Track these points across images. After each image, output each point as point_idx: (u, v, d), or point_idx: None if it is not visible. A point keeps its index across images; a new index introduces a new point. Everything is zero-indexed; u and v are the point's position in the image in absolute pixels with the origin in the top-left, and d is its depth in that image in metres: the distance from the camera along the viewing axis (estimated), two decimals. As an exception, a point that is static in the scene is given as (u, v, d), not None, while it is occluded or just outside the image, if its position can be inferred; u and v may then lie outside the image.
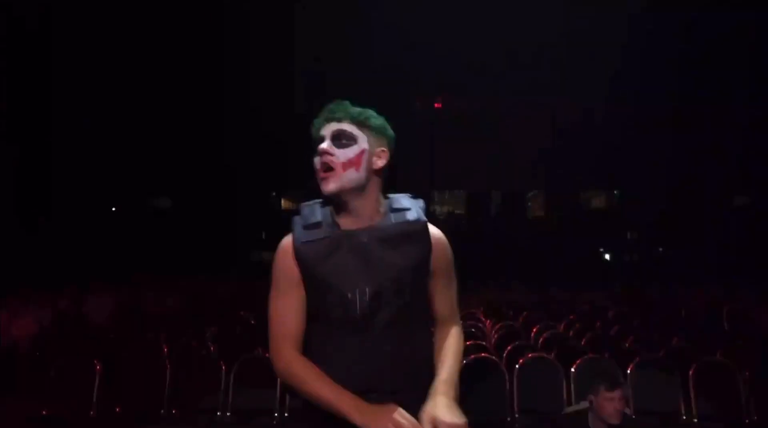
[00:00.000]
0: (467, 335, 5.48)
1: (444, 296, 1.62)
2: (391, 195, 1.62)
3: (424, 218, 1.57)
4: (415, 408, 1.42)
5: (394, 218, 1.54)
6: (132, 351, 4.83)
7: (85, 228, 16.71)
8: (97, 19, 15.51)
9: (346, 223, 1.53)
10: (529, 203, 27.46)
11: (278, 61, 18.88)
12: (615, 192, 26.26)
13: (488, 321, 6.95)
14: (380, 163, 1.56)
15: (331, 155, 1.49)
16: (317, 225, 1.53)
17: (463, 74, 21.38)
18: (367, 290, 1.46)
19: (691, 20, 16.80)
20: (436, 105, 24.28)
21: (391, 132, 1.61)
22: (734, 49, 17.14)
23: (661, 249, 23.64)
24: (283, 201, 21.77)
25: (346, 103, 1.57)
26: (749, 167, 18.48)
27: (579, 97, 20.05)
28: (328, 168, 1.49)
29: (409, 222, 1.54)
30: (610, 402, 2.74)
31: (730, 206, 21.10)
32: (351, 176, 1.49)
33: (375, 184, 1.56)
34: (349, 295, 1.46)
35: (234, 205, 19.26)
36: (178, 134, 18.33)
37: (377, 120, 1.58)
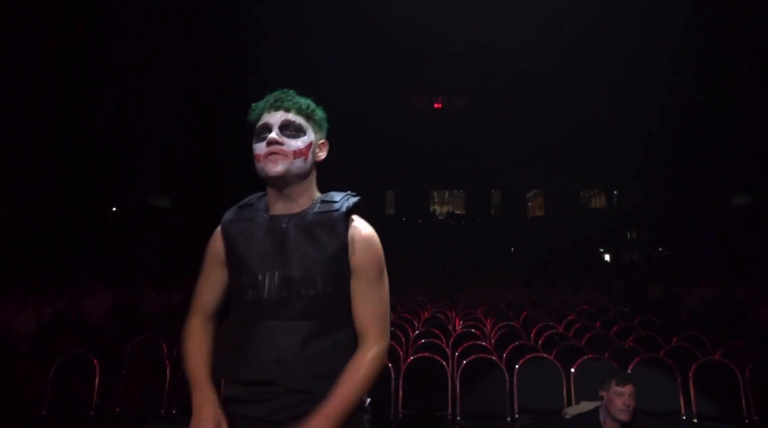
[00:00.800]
0: (467, 335, 5.49)
1: (363, 304, 1.50)
2: (331, 192, 1.60)
3: (343, 210, 1.51)
4: (311, 403, 1.42)
5: (318, 208, 1.53)
6: (132, 351, 4.83)
7: (85, 228, 16.71)
8: (98, 19, 15.51)
9: (277, 209, 1.55)
10: (529, 203, 27.48)
11: (278, 62, 18.88)
12: (615, 192, 26.28)
13: (488, 321, 6.95)
14: (321, 155, 1.59)
15: (281, 144, 1.50)
16: (249, 206, 1.58)
17: (463, 74, 21.38)
18: (276, 274, 1.47)
19: (691, 20, 16.79)
20: (436, 105, 24.30)
21: (327, 125, 1.62)
22: (734, 49, 17.13)
23: (661, 249, 23.64)
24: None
25: (293, 92, 1.58)
26: (748, 167, 18.48)
27: (579, 97, 20.03)
28: (278, 154, 1.50)
29: (327, 212, 1.51)
30: (620, 398, 2.73)
31: (729, 206, 21.10)
32: (298, 165, 1.51)
33: (313, 175, 1.58)
34: (260, 277, 1.48)
35: (234, 205, 19.23)
36: (178, 134, 18.33)
37: (320, 112, 1.59)
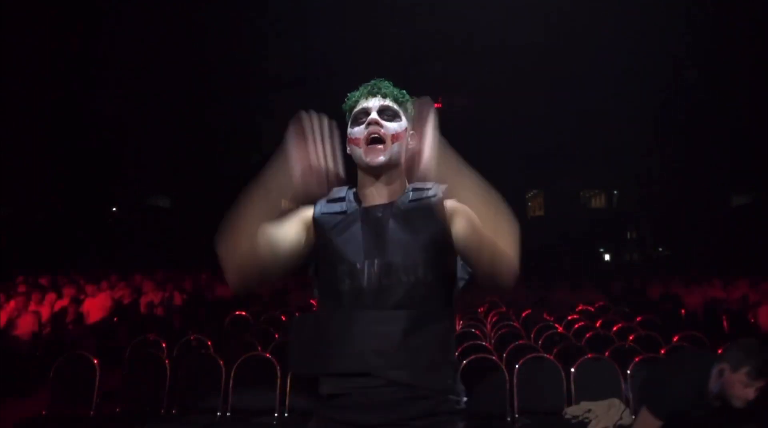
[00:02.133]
0: (467, 335, 5.50)
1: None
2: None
3: (440, 195, 1.50)
4: (413, 401, 1.38)
5: (412, 195, 1.52)
6: (132, 351, 4.83)
7: (85, 228, 16.71)
8: (97, 19, 15.51)
9: (368, 199, 1.54)
10: (529, 203, 27.49)
11: (278, 62, 18.89)
12: (615, 192, 26.29)
13: (488, 321, 6.95)
14: (413, 144, 1.57)
15: (381, 126, 1.51)
16: (340, 199, 1.55)
17: (463, 74, 21.38)
18: (376, 261, 1.44)
19: (691, 20, 16.79)
20: (436, 105, 24.27)
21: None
22: (734, 49, 17.14)
23: (661, 249, 23.65)
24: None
25: (388, 82, 1.60)
26: (748, 167, 18.49)
27: (579, 97, 20.03)
28: (377, 139, 1.50)
29: (423, 199, 1.51)
30: (745, 388, 2.39)
31: (729, 206, 21.11)
32: (397, 150, 1.52)
33: (404, 164, 1.57)
34: (358, 265, 1.45)
35: (234, 205, 19.23)
36: (178, 134, 18.34)
37: (412, 105, 1.60)
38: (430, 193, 1.51)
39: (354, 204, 1.54)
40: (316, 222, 1.53)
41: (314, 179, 1.43)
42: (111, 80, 16.70)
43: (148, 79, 17.24)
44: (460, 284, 1.54)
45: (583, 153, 21.98)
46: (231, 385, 4.15)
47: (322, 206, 1.55)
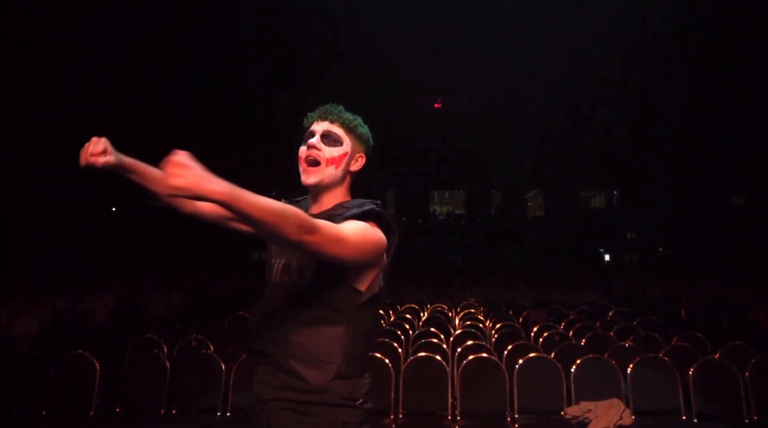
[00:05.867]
0: (467, 335, 5.50)
1: None
2: (358, 199, 1.74)
3: (348, 214, 1.59)
4: (296, 387, 1.59)
5: (327, 211, 1.68)
6: (132, 351, 4.83)
7: (85, 228, 16.72)
8: (98, 18, 15.51)
9: (310, 209, 1.74)
10: (529, 203, 27.48)
11: (277, 62, 18.89)
12: (615, 192, 26.29)
13: (488, 321, 6.95)
14: (355, 166, 1.76)
15: (319, 150, 1.68)
16: (298, 203, 1.77)
17: (463, 74, 21.38)
18: (281, 260, 1.68)
19: (690, 21, 16.80)
20: (436, 105, 24.30)
21: (371, 142, 1.80)
22: (734, 49, 17.14)
23: (661, 249, 23.65)
24: (283, 201, 21.76)
25: (341, 107, 1.76)
26: (748, 167, 18.49)
27: (579, 97, 20.03)
28: (314, 162, 1.68)
29: (334, 215, 1.62)
30: None
31: (729, 206, 21.11)
32: (330, 172, 1.69)
33: (346, 183, 1.75)
34: (273, 261, 1.71)
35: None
36: (178, 134, 18.33)
37: (363, 129, 1.77)
38: (341, 211, 1.63)
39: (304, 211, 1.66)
40: None
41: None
42: (111, 80, 16.69)
43: (149, 78, 17.24)
44: (363, 297, 1.61)
45: (583, 153, 21.98)
46: (231, 385, 4.15)
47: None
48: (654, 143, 20.52)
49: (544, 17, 17.62)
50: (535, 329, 6.06)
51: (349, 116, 1.73)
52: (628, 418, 3.91)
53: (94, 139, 1.70)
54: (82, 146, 1.72)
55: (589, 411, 3.95)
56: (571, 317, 7.10)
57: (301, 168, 1.70)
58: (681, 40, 17.62)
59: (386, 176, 22.01)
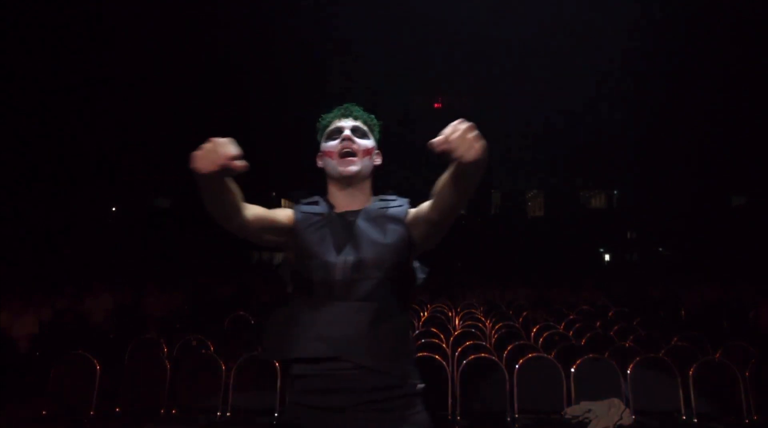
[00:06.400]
0: (467, 335, 5.50)
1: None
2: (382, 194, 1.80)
3: (406, 205, 1.71)
4: (376, 385, 1.52)
5: (380, 204, 1.72)
6: (132, 351, 4.83)
7: (85, 228, 16.71)
8: (98, 19, 15.51)
9: (340, 206, 1.72)
10: (529, 203, 27.49)
11: (277, 62, 18.88)
12: (615, 192, 26.29)
13: (488, 321, 6.95)
14: (378, 161, 1.81)
15: (353, 142, 1.71)
16: (314, 203, 1.74)
17: (463, 74, 21.38)
18: (348, 258, 1.61)
19: (691, 21, 16.79)
20: (435, 105, 24.30)
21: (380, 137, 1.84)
22: (735, 49, 17.13)
23: (661, 249, 23.65)
24: (283, 201, 21.80)
25: (359, 107, 1.81)
26: (748, 167, 18.49)
27: (579, 97, 20.02)
28: (350, 153, 1.70)
29: (391, 206, 1.71)
30: None
31: (729, 206, 21.11)
32: (366, 163, 1.74)
33: (371, 177, 1.79)
34: (331, 261, 1.60)
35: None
36: (178, 134, 18.32)
37: (378, 127, 1.83)
38: (396, 204, 1.72)
39: (329, 209, 1.72)
40: (296, 217, 1.69)
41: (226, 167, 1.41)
42: (112, 80, 16.70)
43: (149, 78, 17.23)
44: (419, 280, 1.71)
45: (583, 153, 21.98)
46: (231, 385, 4.15)
47: (302, 206, 1.73)
48: (654, 143, 20.52)
49: (544, 17, 17.63)
50: (535, 329, 6.06)
51: (367, 113, 1.80)
52: (628, 418, 3.90)
53: (219, 140, 1.40)
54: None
55: (589, 411, 3.95)
56: (571, 317, 7.10)
57: (333, 162, 1.70)
58: (681, 40, 17.61)
59: (386, 177, 22.01)
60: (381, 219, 1.67)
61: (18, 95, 14.58)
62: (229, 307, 8.44)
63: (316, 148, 1.80)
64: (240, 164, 1.39)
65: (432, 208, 1.56)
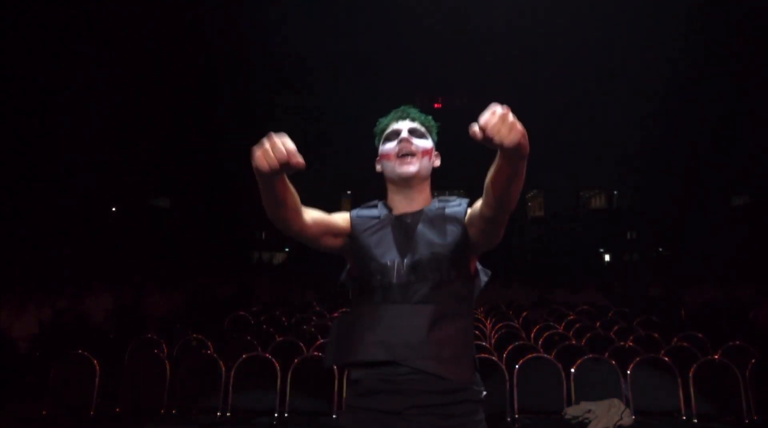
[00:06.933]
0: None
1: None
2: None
3: (465, 205, 1.67)
4: (437, 390, 1.49)
5: (438, 204, 1.70)
6: (132, 351, 4.83)
7: (85, 228, 16.71)
8: (98, 19, 15.52)
9: (398, 208, 1.71)
10: (529, 203, 27.48)
11: (277, 62, 18.88)
12: (615, 192, 26.29)
13: (488, 321, 6.95)
14: (437, 162, 1.81)
15: (411, 143, 1.69)
16: (373, 207, 1.74)
17: (463, 74, 21.38)
18: (405, 260, 1.58)
19: (689, 19, 16.78)
20: (435, 105, 24.30)
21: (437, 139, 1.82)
22: (734, 50, 17.13)
23: (661, 249, 23.64)
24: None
25: (416, 108, 1.79)
26: (748, 167, 18.48)
27: (579, 96, 20.03)
28: (409, 153, 1.68)
29: (450, 208, 1.67)
30: None
31: (729, 206, 21.09)
32: (425, 163, 1.71)
33: (429, 179, 1.76)
34: (389, 263, 1.59)
35: (234, 205, 19.27)
36: (178, 135, 18.33)
37: (436, 128, 1.82)
38: (455, 203, 1.69)
39: (386, 212, 1.71)
40: (353, 221, 1.69)
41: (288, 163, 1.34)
42: (111, 79, 16.69)
43: (149, 78, 17.23)
44: (482, 282, 1.68)
45: (583, 153, 21.98)
46: (231, 385, 4.16)
47: (359, 211, 1.73)
48: (654, 142, 20.51)
49: (544, 17, 17.62)
50: (535, 329, 6.06)
51: (424, 115, 1.78)
52: (628, 418, 3.91)
53: (277, 135, 1.31)
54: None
55: (589, 411, 3.95)
56: (571, 317, 7.10)
57: (392, 164, 1.68)
58: (681, 40, 17.61)
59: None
60: (439, 220, 1.64)
61: (18, 95, 14.57)
62: (229, 307, 8.45)
63: (374, 153, 1.78)
64: (301, 159, 1.31)
65: (484, 204, 1.51)
